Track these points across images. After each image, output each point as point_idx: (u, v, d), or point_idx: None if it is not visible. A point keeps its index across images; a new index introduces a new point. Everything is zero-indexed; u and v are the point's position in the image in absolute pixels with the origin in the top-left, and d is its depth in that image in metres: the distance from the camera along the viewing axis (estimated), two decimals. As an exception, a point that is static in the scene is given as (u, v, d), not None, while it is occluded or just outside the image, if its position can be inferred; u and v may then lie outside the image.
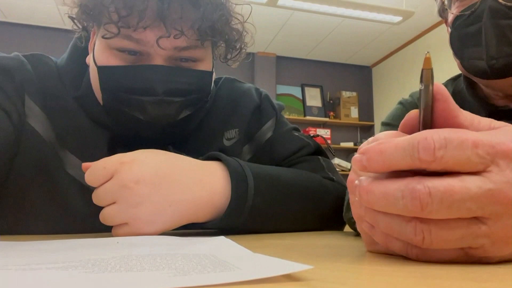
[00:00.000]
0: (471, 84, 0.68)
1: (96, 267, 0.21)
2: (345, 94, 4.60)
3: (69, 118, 0.57)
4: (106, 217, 0.42)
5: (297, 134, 0.70)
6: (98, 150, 0.56)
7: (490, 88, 0.64)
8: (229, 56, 0.61)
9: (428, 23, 3.81)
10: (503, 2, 0.57)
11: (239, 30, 0.58)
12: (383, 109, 4.45)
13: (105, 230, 0.45)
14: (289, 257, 0.24)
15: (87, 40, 0.59)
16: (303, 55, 4.55)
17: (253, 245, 0.36)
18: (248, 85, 0.74)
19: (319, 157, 0.68)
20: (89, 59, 0.57)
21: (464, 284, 0.19)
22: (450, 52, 0.67)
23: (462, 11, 0.62)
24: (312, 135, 0.73)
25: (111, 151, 0.56)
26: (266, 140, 0.68)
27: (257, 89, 0.74)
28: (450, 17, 0.65)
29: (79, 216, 0.55)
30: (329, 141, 4.32)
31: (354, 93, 4.64)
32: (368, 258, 0.29)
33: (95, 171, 0.42)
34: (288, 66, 4.56)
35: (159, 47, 0.50)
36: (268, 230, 0.52)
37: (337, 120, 4.52)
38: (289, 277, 0.20)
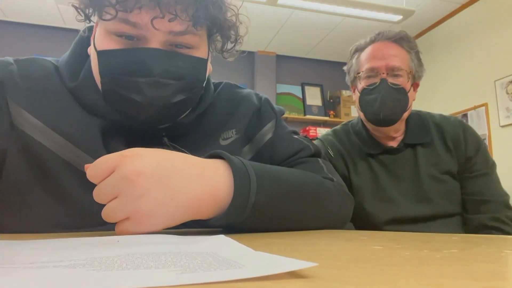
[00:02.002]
0: (366, 130, 1.19)
1: (103, 265, 0.21)
2: (345, 93, 4.59)
3: (63, 109, 0.58)
4: (108, 213, 0.41)
5: (296, 136, 0.72)
6: (93, 139, 0.57)
7: (377, 131, 1.16)
8: (224, 48, 0.63)
9: (428, 22, 3.81)
10: (391, 85, 1.08)
11: (233, 21, 0.61)
12: (383, 108, 4.45)
13: (106, 223, 0.45)
14: (290, 255, 0.24)
15: (90, 32, 0.62)
16: (303, 54, 4.54)
17: (254, 244, 0.36)
18: (248, 90, 0.76)
19: (318, 159, 0.68)
20: (90, 49, 0.60)
21: (464, 283, 0.19)
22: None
23: (368, 85, 1.11)
24: (311, 137, 0.74)
25: (106, 141, 0.57)
26: (266, 141, 0.69)
27: (257, 94, 0.76)
28: (359, 87, 1.14)
29: (81, 207, 0.55)
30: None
31: (354, 92, 4.63)
32: (369, 257, 0.29)
33: (97, 166, 0.42)
34: (288, 65, 4.56)
35: (153, 28, 0.52)
36: (270, 229, 0.52)
37: (338, 119, 4.51)
38: (293, 275, 0.20)
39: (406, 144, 1.15)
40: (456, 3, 3.48)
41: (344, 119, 4.51)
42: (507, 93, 3.03)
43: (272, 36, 4.12)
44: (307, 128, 4.27)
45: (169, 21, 0.52)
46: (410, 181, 1.12)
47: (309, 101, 4.51)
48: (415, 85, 1.16)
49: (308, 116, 4.42)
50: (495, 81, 3.12)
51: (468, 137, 1.15)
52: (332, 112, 4.56)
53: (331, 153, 1.16)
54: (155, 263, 0.22)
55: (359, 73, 1.15)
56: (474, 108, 3.31)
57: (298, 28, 3.95)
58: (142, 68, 0.53)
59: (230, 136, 0.67)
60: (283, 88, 4.48)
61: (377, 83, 1.09)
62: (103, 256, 0.24)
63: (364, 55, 1.15)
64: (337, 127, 1.29)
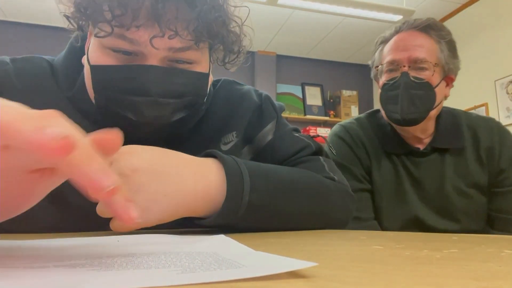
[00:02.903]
0: (391, 126, 1.06)
1: (103, 265, 0.21)
2: (346, 93, 4.59)
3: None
4: (102, 208, 0.41)
5: (297, 135, 0.71)
6: None
7: (402, 130, 1.04)
8: (227, 60, 0.61)
9: (428, 22, 3.80)
10: (412, 79, 0.95)
11: (237, 33, 0.58)
12: (383, 108, 4.45)
13: (104, 225, 0.45)
14: (290, 255, 0.24)
15: (84, 39, 0.59)
16: (304, 54, 4.54)
17: (253, 244, 0.36)
18: (248, 87, 0.74)
19: (320, 157, 0.68)
20: (84, 59, 0.57)
21: (464, 283, 0.19)
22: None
23: (388, 80, 0.99)
24: (312, 135, 0.73)
25: None
26: (266, 142, 0.68)
27: (256, 91, 0.74)
28: (380, 82, 1.03)
29: (78, 210, 0.55)
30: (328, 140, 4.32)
31: (355, 92, 4.63)
32: (369, 257, 0.29)
33: None
34: (288, 65, 4.56)
35: (152, 47, 0.49)
36: (266, 228, 0.52)
37: (338, 119, 4.51)
38: (292, 274, 0.20)
39: (433, 148, 1.03)
40: (456, 3, 3.48)
41: (344, 119, 4.50)
42: (507, 93, 3.03)
43: (272, 36, 4.12)
44: (307, 128, 4.27)
45: (169, 38, 0.49)
46: (432, 190, 1.02)
47: (309, 101, 4.51)
48: (448, 80, 1.02)
49: (308, 116, 4.42)
50: (495, 81, 3.12)
51: (504, 146, 1.02)
52: (332, 112, 4.56)
53: (333, 151, 1.06)
54: (155, 263, 0.22)
55: (377, 66, 1.04)
56: (474, 108, 3.31)
57: (298, 28, 3.95)
58: (139, 87, 0.50)
59: (231, 140, 0.66)
60: (283, 88, 4.48)
61: (398, 77, 0.97)
62: (103, 256, 0.24)
63: (387, 46, 1.03)
64: (362, 115, 1.15)
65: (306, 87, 4.56)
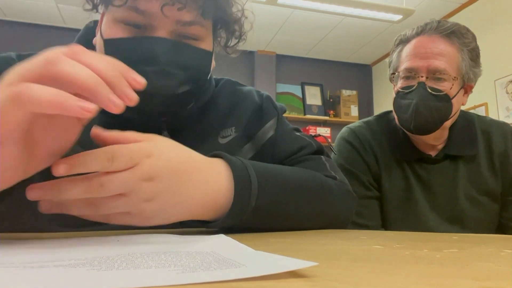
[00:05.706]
0: (403, 131, 1.02)
1: (103, 264, 0.21)
2: (345, 92, 4.59)
3: None
4: (111, 209, 0.39)
5: (298, 134, 0.71)
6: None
7: (413, 136, 1.00)
8: (229, 43, 0.64)
9: (428, 22, 3.80)
10: (429, 91, 0.91)
11: (238, 15, 0.62)
12: (383, 108, 4.45)
13: (101, 225, 0.45)
14: (291, 255, 0.24)
15: (92, 34, 0.62)
16: (303, 53, 4.54)
17: (254, 244, 0.36)
18: (249, 87, 0.75)
19: (321, 156, 0.68)
20: (95, 40, 0.60)
21: (464, 283, 0.19)
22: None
23: (403, 88, 0.95)
24: (313, 135, 0.73)
25: None
26: (267, 139, 0.68)
27: (258, 91, 0.75)
28: (395, 88, 0.99)
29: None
30: (329, 140, 4.33)
31: (354, 92, 4.64)
32: (369, 256, 0.29)
33: (119, 159, 0.38)
34: (288, 65, 4.56)
35: (163, 15, 0.52)
36: (270, 229, 0.52)
37: (337, 119, 4.52)
38: (293, 274, 0.20)
39: (446, 155, 1.00)
40: (456, 2, 3.48)
41: (344, 119, 4.52)
42: (507, 93, 3.03)
43: (272, 36, 4.12)
44: (307, 128, 4.27)
45: (178, 9, 0.53)
46: (444, 198, 0.99)
47: (309, 101, 4.51)
48: (467, 88, 0.99)
49: (308, 116, 4.42)
50: (495, 80, 3.12)
51: None
52: (332, 111, 4.56)
53: (336, 154, 1.04)
54: (155, 262, 0.22)
55: (394, 73, 0.99)
56: (474, 107, 3.31)
57: (298, 28, 3.95)
58: (148, 56, 0.53)
59: (229, 134, 0.67)
60: (283, 87, 4.48)
61: (414, 87, 0.93)
62: (103, 256, 0.24)
63: (406, 50, 0.97)
64: (371, 118, 1.12)
65: (306, 87, 4.56)
